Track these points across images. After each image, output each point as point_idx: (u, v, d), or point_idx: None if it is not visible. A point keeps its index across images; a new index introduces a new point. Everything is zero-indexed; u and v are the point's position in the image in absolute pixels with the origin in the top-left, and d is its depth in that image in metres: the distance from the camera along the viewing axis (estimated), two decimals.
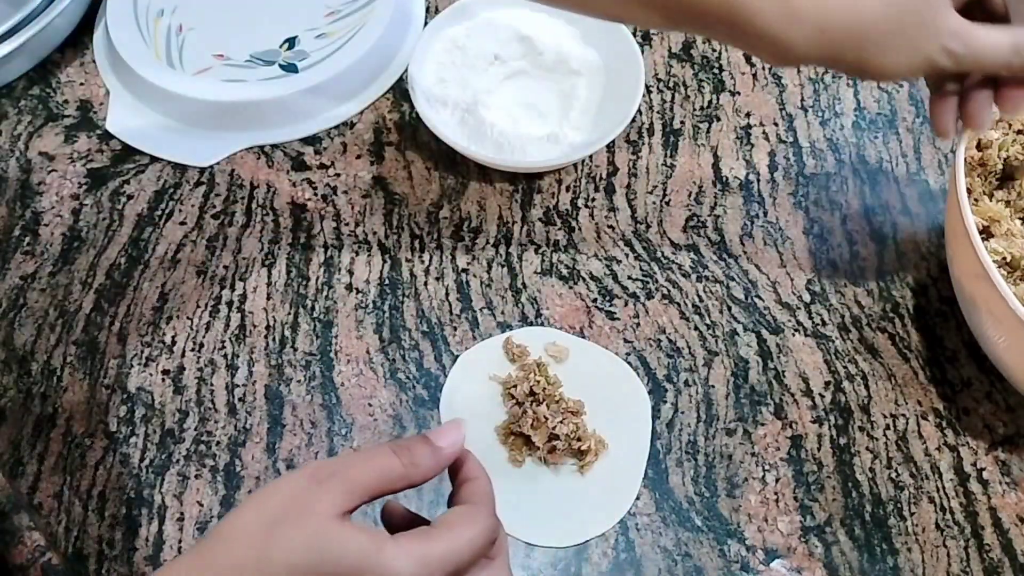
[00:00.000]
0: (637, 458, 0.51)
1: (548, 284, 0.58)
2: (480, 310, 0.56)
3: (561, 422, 0.49)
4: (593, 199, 0.62)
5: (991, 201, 0.55)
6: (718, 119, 0.66)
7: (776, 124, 0.66)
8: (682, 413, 0.53)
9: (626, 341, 0.56)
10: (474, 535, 0.36)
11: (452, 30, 0.65)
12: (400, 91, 0.66)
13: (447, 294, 0.57)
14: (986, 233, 0.53)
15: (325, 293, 0.57)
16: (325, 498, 0.34)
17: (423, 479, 0.37)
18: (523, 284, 0.58)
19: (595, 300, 0.57)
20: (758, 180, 0.63)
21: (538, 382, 0.51)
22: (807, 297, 0.58)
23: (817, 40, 0.40)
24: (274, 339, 0.55)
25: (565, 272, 0.58)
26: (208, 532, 0.38)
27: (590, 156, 0.63)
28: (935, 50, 0.40)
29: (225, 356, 0.55)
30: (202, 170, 0.63)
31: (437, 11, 0.67)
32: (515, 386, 0.51)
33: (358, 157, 0.63)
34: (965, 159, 0.51)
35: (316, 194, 0.62)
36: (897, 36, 0.40)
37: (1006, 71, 0.42)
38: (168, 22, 0.67)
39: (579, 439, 0.49)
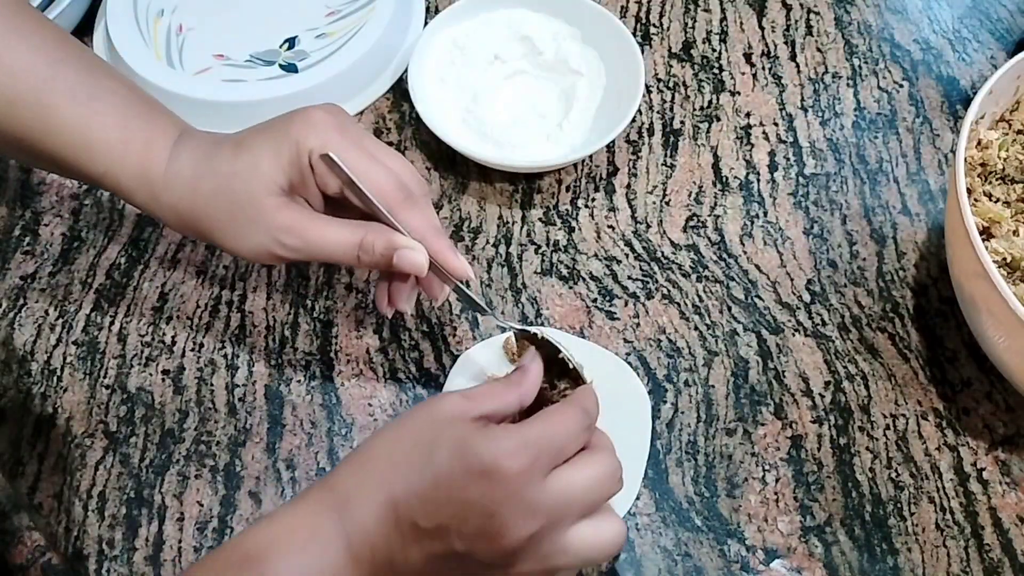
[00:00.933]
0: (637, 458, 0.51)
1: (548, 284, 0.58)
2: None
3: None
4: (593, 199, 0.62)
5: (991, 201, 0.55)
6: (718, 119, 0.66)
7: (776, 124, 0.66)
8: (682, 413, 0.53)
9: (626, 341, 0.56)
10: (567, 419, 0.39)
11: (452, 30, 0.65)
12: (400, 91, 0.66)
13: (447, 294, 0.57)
14: (986, 233, 0.53)
15: (325, 293, 0.57)
16: (450, 405, 0.39)
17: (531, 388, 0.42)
18: (523, 284, 0.58)
19: (595, 300, 0.57)
20: (758, 180, 0.63)
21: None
22: (807, 297, 0.58)
23: (178, 221, 0.45)
24: (274, 339, 0.55)
25: (565, 272, 0.58)
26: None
27: (590, 156, 0.63)
28: (270, 242, 0.44)
29: (225, 356, 0.55)
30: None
31: (437, 11, 0.67)
32: None
33: None
34: (965, 159, 0.51)
35: None
36: (233, 225, 0.44)
37: (356, 264, 0.44)
38: (168, 22, 0.67)
39: None
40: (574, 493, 0.38)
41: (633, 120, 0.63)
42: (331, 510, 0.37)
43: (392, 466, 0.37)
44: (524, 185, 0.62)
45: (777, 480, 0.51)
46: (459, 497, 0.36)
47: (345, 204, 0.45)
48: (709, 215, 0.61)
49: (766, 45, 0.70)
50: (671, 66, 0.69)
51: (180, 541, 0.49)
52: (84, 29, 0.69)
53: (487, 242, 0.59)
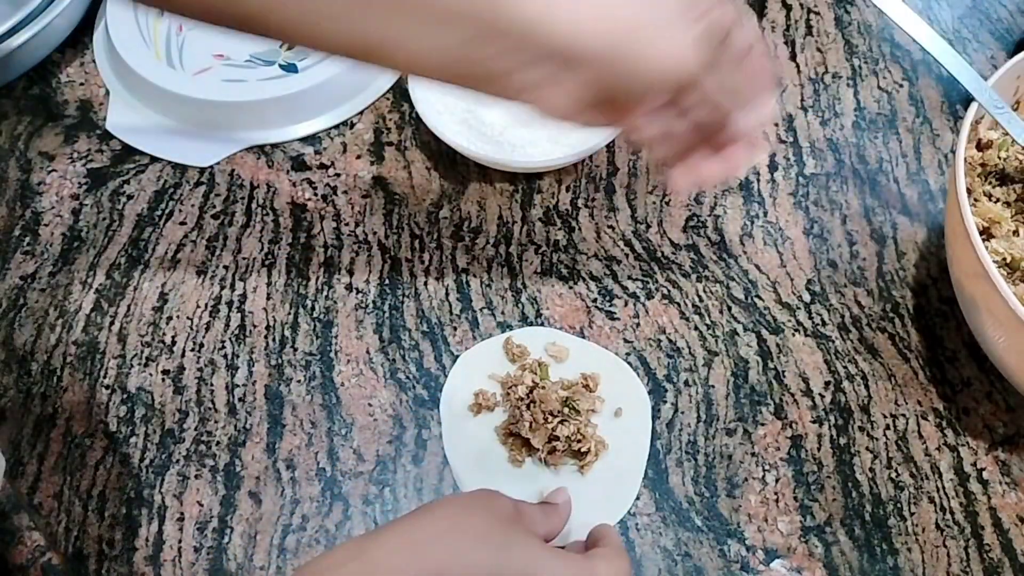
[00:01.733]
0: (637, 458, 0.51)
1: (548, 284, 0.58)
2: (480, 310, 0.56)
3: (562, 423, 0.49)
4: (593, 199, 0.62)
5: (991, 201, 0.55)
6: None
7: (776, 124, 0.66)
8: (682, 413, 0.53)
9: (626, 341, 0.56)
10: (624, 567, 0.42)
11: None
12: (400, 91, 0.66)
13: (447, 294, 0.57)
14: (986, 234, 0.53)
15: (325, 293, 0.57)
16: (507, 508, 0.42)
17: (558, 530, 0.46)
18: (523, 284, 0.58)
19: (595, 300, 0.57)
20: (758, 180, 0.63)
21: (536, 384, 0.51)
22: (807, 297, 0.58)
23: (592, 27, 0.37)
24: (274, 339, 0.55)
25: (565, 272, 0.58)
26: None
27: (590, 156, 0.63)
28: (686, 46, 0.39)
29: (225, 356, 0.55)
30: (202, 170, 0.63)
31: None
32: (514, 386, 0.51)
33: (358, 157, 0.63)
34: (965, 159, 0.51)
35: (316, 194, 0.62)
36: (660, 24, 0.38)
37: (742, 77, 0.42)
38: (168, 22, 0.67)
39: (580, 440, 0.49)
40: None
41: None
42: None
43: (448, 559, 0.38)
44: (524, 185, 0.62)
45: (777, 480, 0.51)
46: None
47: None
48: (709, 215, 0.61)
49: (766, 45, 0.70)
50: None
51: (180, 541, 0.49)
52: (84, 29, 0.69)
53: (487, 242, 0.59)
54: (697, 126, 0.43)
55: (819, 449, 0.52)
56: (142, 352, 0.55)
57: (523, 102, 0.40)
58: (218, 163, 0.63)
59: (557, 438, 0.49)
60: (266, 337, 0.55)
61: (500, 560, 0.39)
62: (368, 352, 0.55)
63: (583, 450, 0.49)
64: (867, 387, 0.54)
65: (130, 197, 0.61)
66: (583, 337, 0.55)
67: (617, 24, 0.38)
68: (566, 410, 0.50)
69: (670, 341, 0.56)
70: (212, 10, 0.37)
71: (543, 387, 0.51)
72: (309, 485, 0.50)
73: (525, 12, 0.36)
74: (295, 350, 0.55)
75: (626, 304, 0.57)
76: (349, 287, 0.57)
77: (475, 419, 0.52)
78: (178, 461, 0.51)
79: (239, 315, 0.56)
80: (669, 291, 0.58)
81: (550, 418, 0.49)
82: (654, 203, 0.62)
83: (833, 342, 0.56)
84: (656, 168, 0.63)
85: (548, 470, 0.50)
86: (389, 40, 0.38)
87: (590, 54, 0.38)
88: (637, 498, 0.50)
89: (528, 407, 0.50)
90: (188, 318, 0.56)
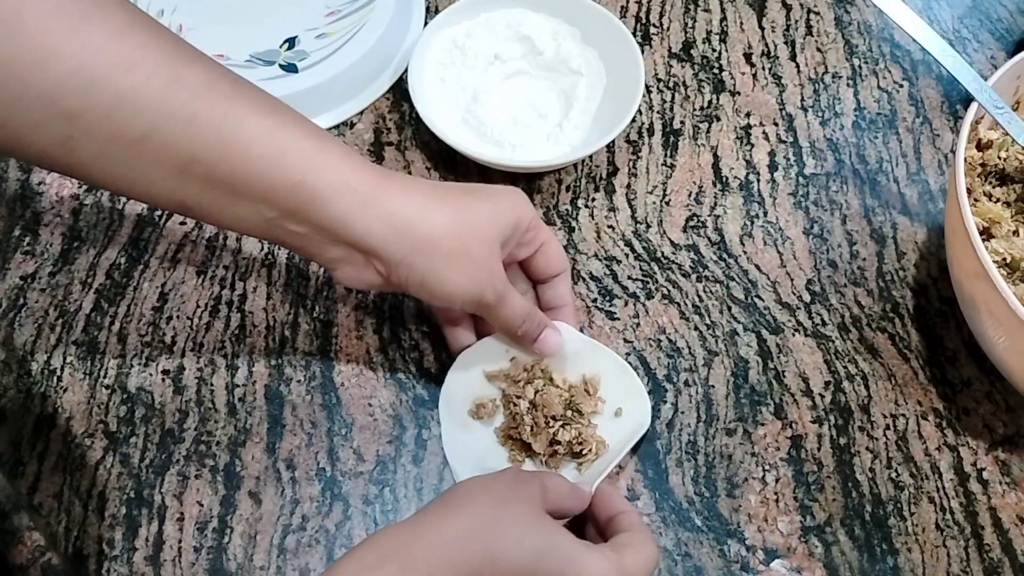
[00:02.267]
0: (626, 444, 0.50)
1: None
2: None
3: (564, 426, 0.49)
4: (593, 199, 0.62)
5: (991, 201, 0.55)
6: (718, 119, 0.66)
7: (776, 124, 0.66)
8: (682, 413, 0.53)
9: (626, 341, 0.56)
10: (653, 554, 0.42)
11: (452, 30, 0.65)
12: (400, 91, 0.66)
13: None
14: (986, 233, 0.53)
15: (325, 293, 0.57)
16: (536, 494, 0.42)
17: (578, 511, 0.46)
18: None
19: (595, 300, 0.57)
20: (758, 180, 0.63)
21: (538, 390, 0.51)
22: (807, 297, 0.58)
23: (391, 237, 0.43)
24: (274, 339, 0.55)
25: None
26: (435, 499, 0.43)
27: (590, 156, 0.63)
28: (483, 286, 0.45)
29: (225, 356, 0.55)
30: None
31: (437, 11, 0.67)
32: (517, 398, 0.51)
33: None
34: (965, 159, 0.51)
35: None
36: (462, 258, 0.44)
37: (515, 331, 0.49)
38: (168, 22, 0.67)
39: (581, 443, 0.49)
40: None
41: (633, 120, 0.63)
42: None
43: (489, 562, 0.38)
44: (524, 185, 0.62)
45: (777, 480, 0.51)
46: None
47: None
48: (709, 215, 0.61)
49: (766, 45, 0.70)
50: (671, 66, 0.69)
51: (180, 541, 0.49)
52: None
53: None
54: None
55: (819, 449, 0.52)
56: (142, 352, 0.55)
57: (330, 270, 0.46)
58: None
59: (559, 442, 0.49)
60: (266, 337, 0.55)
61: (540, 555, 0.39)
62: (368, 352, 0.55)
63: (584, 451, 0.49)
64: (867, 387, 0.54)
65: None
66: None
67: (416, 242, 0.43)
68: (569, 413, 0.50)
69: (670, 341, 0.56)
70: (44, 157, 0.40)
71: (545, 392, 0.50)
72: (309, 485, 0.50)
73: (327, 211, 0.42)
74: (295, 350, 0.55)
75: (626, 304, 0.57)
76: (349, 287, 0.57)
77: (474, 421, 0.52)
78: (178, 461, 0.51)
79: (239, 315, 0.56)
80: (669, 291, 0.58)
81: (552, 422, 0.49)
82: (654, 203, 0.62)
83: (833, 342, 0.56)
84: (656, 168, 0.63)
85: (548, 469, 0.50)
86: (206, 207, 0.42)
87: (383, 257, 0.43)
88: (637, 498, 0.50)
89: (529, 411, 0.50)
90: (188, 318, 0.56)
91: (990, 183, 0.56)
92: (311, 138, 0.42)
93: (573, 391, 0.51)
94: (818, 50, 0.70)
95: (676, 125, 0.65)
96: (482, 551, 0.38)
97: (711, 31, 0.71)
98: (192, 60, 0.40)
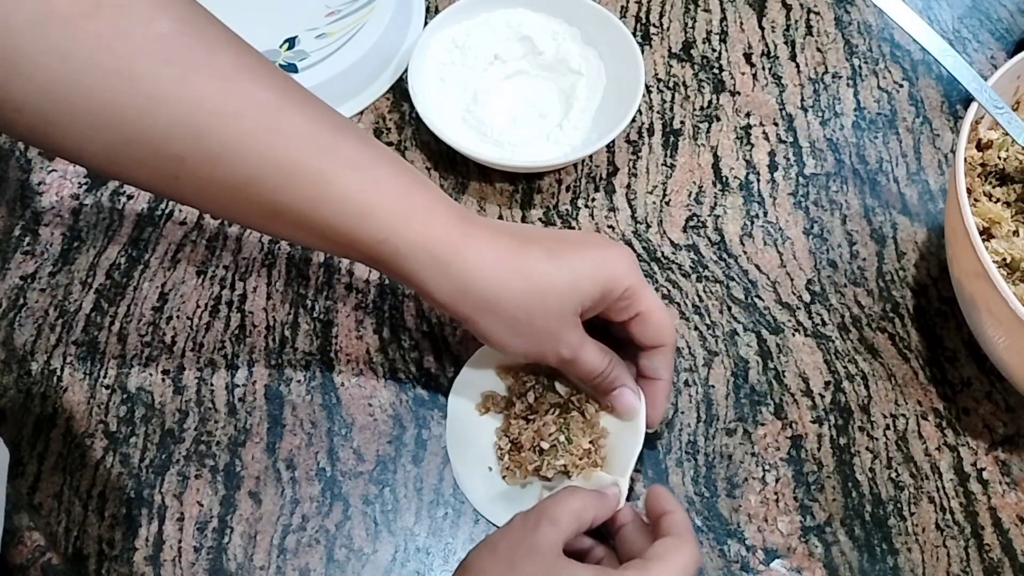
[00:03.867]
0: (630, 452, 0.49)
1: None
2: None
3: (554, 449, 0.48)
4: (593, 199, 0.62)
5: (991, 201, 0.55)
6: (718, 119, 0.66)
7: (776, 124, 0.66)
8: (682, 413, 0.53)
9: None
10: (686, 563, 0.41)
11: (452, 30, 0.65)
12: (400, 91, 0.66)
13: None
14: (986, 233, 0.53)
15: (325, 293, 0.57)
16: (544, 537, 0.41)
17: (608, 515, 0.45)
18: None
19: None
20: (758, 180, 0.63)
21: (534, 402, 0.50)
22: (807, 297, 0.58)
23: (458, 298, 0.43)
24: (274, 339, 0.55)
25: None
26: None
27: (590, 156, 0.63)
28: (551, 350, 0.45)
29: (225, 356, 0.55)
30: None
31: (437, 11, 0.67)
32: (521, 395, 0.50)
33: None
34: (965, 159, 0.51)
35: None
36: (525, 326, 0.44)
37: (589, 384, 0.48)
38: None
39: (567, 472, 0.48)
40: None
41: (633, 120, 0.63)
42: None
43: None
44: (524, 185, 0.62)
45: (777, 480, 0.51)
46: None
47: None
48: (709, 215, 0.61)
49: (766, 45, 0.70)
50: (671, 66, 0.69)
51: (180, 541, 0.49)
52: None
53: None
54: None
55: (819, 449, 0.52)
56: (142, 352, 0.55)
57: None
58: None
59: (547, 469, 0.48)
60: (266, 337, 0.55)
61: None
62: (368, 352, 0.55)
63: (569, 472, 0.48)
64: (867, 387, 0.54)
65: (130, 197, 0.61)
66: None
67: (479, 306, 0.44)
68: (561, 437, 0.48)
69: None
70: (152, 189, 0.42)
71: (542, 410, 0.50)
72: (309, 485, 0.50)
73: (406, 266, 0.43)
74: (295, 350, 0.55)
75: None
76: (349, 287, 0.57)
77: (480, 418, 0.51)
78: (178, 461, 0.51)
79: (239, 315, 0.56)
80: (669, 291, 0.58)
81: (543, 445, 0.48)
82: (654, 203, 0.62)
83: (833, 342, 0.56)
84: (656, 168, 0.63)
85: (563, 485, 0.49)
86: (300, 242, 0.46)
87: (450, 311, 0.44)
88: (637, 498, 0.50)
89: (526, 424, 0.50)
90: (188, 318, 0.56)
91: (990, 183, 0.56)
92: (401, 194, 0.42)
93: (569, 416, 0.49)
94: (818, 50, 0.70)
95: (676, 125, 0.65)
96: None
97: (711, 31, 0.71)
98: (298, 108, 0.41)
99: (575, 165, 0.63)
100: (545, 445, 0.48)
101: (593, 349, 0.47)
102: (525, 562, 0.40)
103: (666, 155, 0.64)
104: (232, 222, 0.42)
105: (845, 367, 0.55)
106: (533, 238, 0.45)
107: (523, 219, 0.61)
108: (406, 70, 0.65)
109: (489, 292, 0.43)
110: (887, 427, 0.53)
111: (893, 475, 0.51)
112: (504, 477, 0.50)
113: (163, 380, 0.54)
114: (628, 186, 0.62)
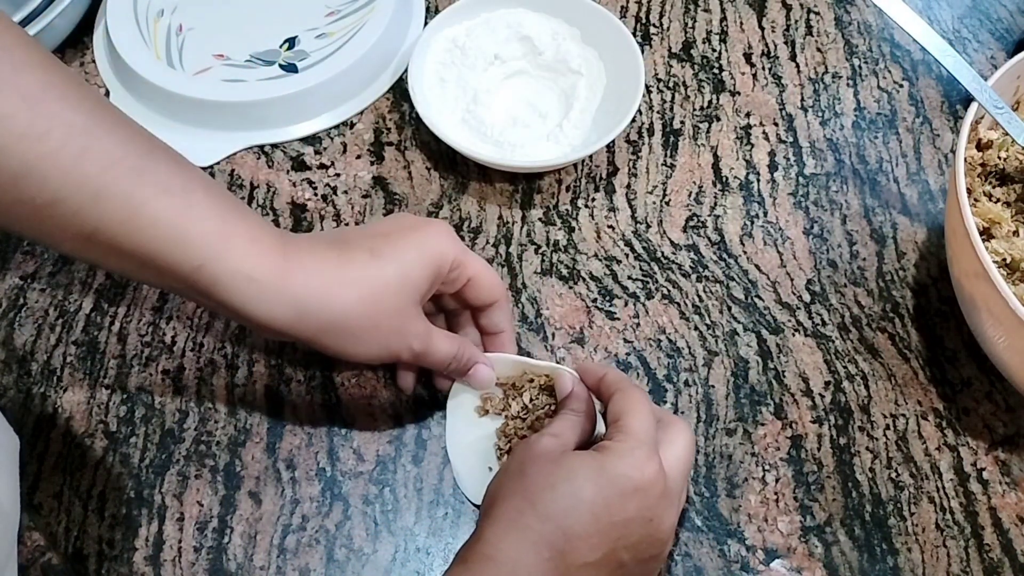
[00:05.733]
0: None
1: (548, 284, 0.58)
2: None
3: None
4: (593, 199, 0.62)
5: (991, 201, 0.55)
6: (718, 119, 0.66)
7: (776, 124, 0.66)
8: (682, 413, 0.53)
9: (626, 341, 0.56)
10: (645, 404, 0.44)
11: (452, 30, 0.65)
12: (400, 91, 0.66)
13: None
14: (986, 233, 0.53)
15: None
16: (547, 446, 0.43)
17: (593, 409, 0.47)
18: (523, 284, 0.58)
19: (595, 300, 0.57)
20: (758, 180, 0.63)
21: (528, 405, 0.50)
22: (807, 297, 0.58)
23: (296, 322, 0.42)
24: (274, 339, 0.55)
25: (565, 272, 0.58)
26: (479, 520, 0.43)
27: (590, 156, 0.63)
28: (402, 347, 0.45)
29: (225, 356, 0.55)
30: (202, 169, 0.62)
31: (437, 11, 0.67)
32: (517, 396, 0.50)
33: (358, 157, 0.63)
34: (965, 159, 0.51)
35: (316, 194, 0.62)
36: (370, 332, 0.44)
37: (444, 371, 0.49)
38: (168, 22, 0.67)
39: None
40: (682, 463, 0.44)
41: (633, 120, 0.63)
42: None
43: (543, 519, 0.39)
44: (524, 185, 0.62)
45: (777, 480, 0.51)
46: (620, 519, 0.40)
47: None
48: (709, 215, 0.61)
49: (766, 45, 0.70)
50: (671, 66, 0.69)
51: (180, 541, 0.49)
52: (84, 29, 0.69)
53: (487, 242, 0.59)
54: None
55: (819, 449, 0.52)
56: (142, 352, 0.55)
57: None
58: (218, 163, 0.63)
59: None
60: (266, 337, 0.55)
61: (595, 493, 0.40)
62: None
63: None
64: (867, 387, 0.54)
65: None
66: (582, 337, 0.55)
67: (321, 325, 0.43)
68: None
69: (670, 341, 0.56)
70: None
71: (538, 411, 0.50)
72: (309, 485, 0.50)
73: (230, 296, 0.42)
74: (295, 350, 0.55)
75: (626, 304, 0.57)
76: None
77: (479, 419, 0.51)
78: (178, 461, 0.51)
79: None
80: (669, 291, 0.58)
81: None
82: (654, 203, 0.62)
83: (833, 342, 0.56)
84: (656, 168, 0.63)
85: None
86: (115, 269, 0.44)
87: (292, 336, 0.44)
88: None
89: (523, 424, 0.50)
90: (188, 318, 0.56)
91: (990, 183, 0.56)
92: (216, 219, 0.41)
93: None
94: (818, 50, 0.70)
95: (676, 125, 0.65)
96: (535, 521, 0.39)
97: (711, 31, 0.71)
98: (106, 131, 0.40)
99: (575, 165, 0.63)
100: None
101: (441, 337, 0.47)
102: (533, 466, 0.41)
103: (666, 155, 0.64)
104: (51, 248, 0.41)
105: (845, 367, 0.55)
106: (353, 243, 0.45)
107: (523, 219, 0.61)
108: (406, 70, 0.65)
109: (325, 309, 0.43)
110: (887, 427, 0.53)
111: (893, 475, 0.51)
112: None
113: (163, 380, 0.54)
114: (628, 186, 0.62)
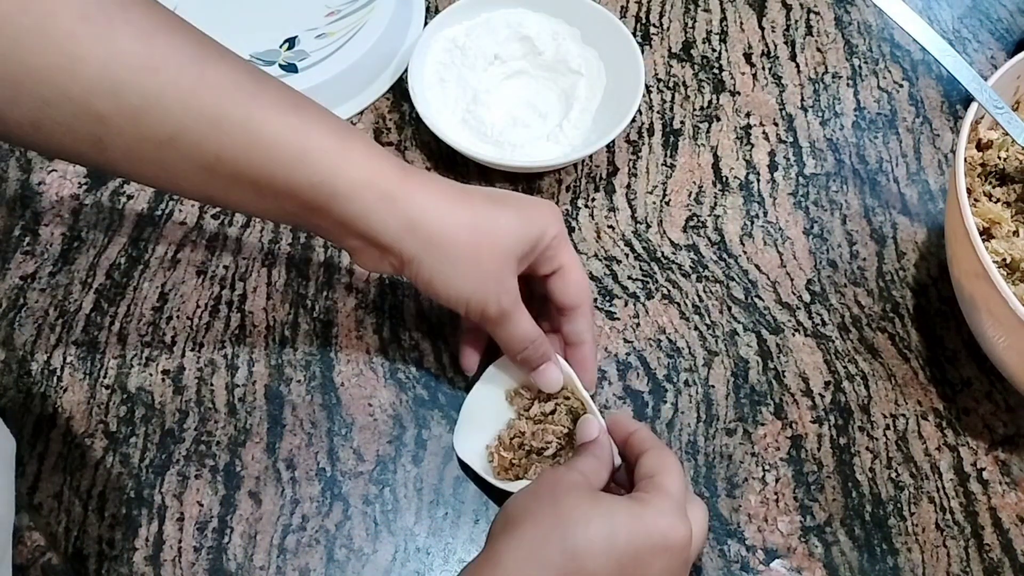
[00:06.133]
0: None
1: None
2: None
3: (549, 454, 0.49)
4: (593, 199, 0.62)
5: (991, 201, 0.55)
6: (718, 119, 0.66)
7: (776, 124, 0.66)
8: (682, 413, 0.53)
9: (626, 341, 0.56)
10: (678, 468, 0.43)
11: (452, 30, 0.65)
12: (400, 91, 0.66)
13: None
14: (986, 233, 0.53)
15: (325, 293, 0.57)
16: (575, 477, 0.42)
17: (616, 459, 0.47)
18: None
19: (595, 300, 0.57)
20: (758, 180, 0.63)
21: (554, 411, 0.50)
22: (807, 297, 0.58)
23: (405, 234, 0.43)
24: (274, 339, 0.55)
25: None
26: (492, 527, 0.42)
27: (590, 156, 0.63)
28: (492, 295, 0.45)
29: (225, 356, 0.55)
30: None
31: (437, 11, 0.67)
32: (537, 400, 0.51)
33: None
34: (965, 159, 0.51)
35: None
36: (471, 264, 0.44)
37: (516, 355, 0.48)
38: None
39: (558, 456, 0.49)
40: (698, 541, 0.43)
41: (633, 120, 0.63)
42: None
43: (569, 556, 0.38)
44: (524, 185, 0.62)
45: (777, 480, 0.51)
46: (643, 573, 0.39)
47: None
48: (709, 215, 0.61)
49: (766, 45, 0.70)
50: (671, 66, 0.69)
51: (180, 541, 0.49)
52: None
53: None
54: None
55: (819, 449, 0.52)
56: (142, 352, 0.55)
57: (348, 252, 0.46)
58: None
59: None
60: (266, 337, 0.55)
61: (610, 531, 0.39)
62: (368, 352, 0.55)
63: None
64: (867, 387, 0.54)
65: (130, 197, 0.61)
66: None
67: (428, 241, 0.43)
68: (558, 442, 0.49)
69: (670, 341, 0.56)
70: (77, 157, 0.41)
71: (552, 423, 0.50)
72: (309, 485, 0.50)
73: (347, 208, 0.42)
74: (295, 350, 0.55)
75: (626, 304, 0.57)
76: (349, 287, 0.57)
77: (503, 402, 0.51)
78: (178, 461, 0.51)
79: (239, 315, 0.56)
80: (669, 291, 0.58)
81: (533, 444, 0.49)
82: (654, 203, 0.62)
83: (833, 342, 0.56)
84: (656, 168, 0.63)
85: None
86: (233, 201, 0.43)
87: (396, 252, 0.43)
88: None
89: (534, 425, 0.50)
90: (188, 318, 0.56)
91: (990, 183, 0.56)
92: (334, 135, 0.42)
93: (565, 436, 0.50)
94: (818, 50, 0.70)
95: (676, 125, 0.65)
96: (559, 553, 0.38)
97: (711, 31, 0.71)
98: (218, 59, 0.40)
99: (575, 165, 0.63)
100: (535, 444, 0.49)
101: (528, 317, 0.47)
102: (567, 497, 0.40)
103: (666, 155, 0.64)
104: (168, 191, 0.41)
105: (845, 367, 0.55)
106: (473, 188, 0.46)
107: None
108: (406, 70, 0.65)
109: (438, 224, 0.43)
110: (887, 427, 0.53)
111: (893, 475, 0.51)
112: (491, 461, 0.50)
113: (163, 380, 0.54)
114: (628, 186, 0.62)
